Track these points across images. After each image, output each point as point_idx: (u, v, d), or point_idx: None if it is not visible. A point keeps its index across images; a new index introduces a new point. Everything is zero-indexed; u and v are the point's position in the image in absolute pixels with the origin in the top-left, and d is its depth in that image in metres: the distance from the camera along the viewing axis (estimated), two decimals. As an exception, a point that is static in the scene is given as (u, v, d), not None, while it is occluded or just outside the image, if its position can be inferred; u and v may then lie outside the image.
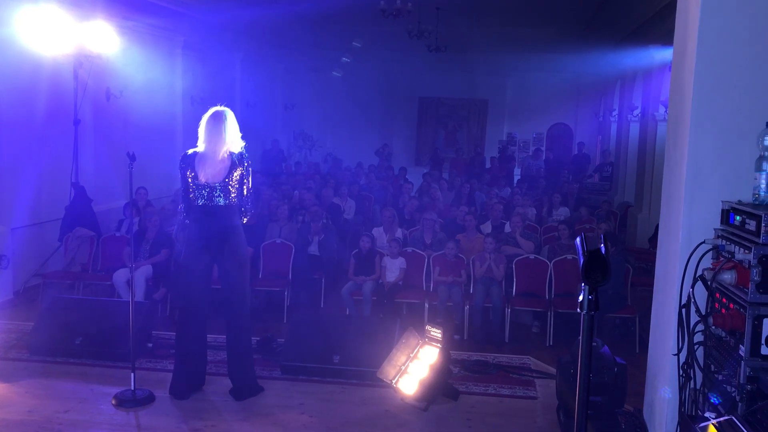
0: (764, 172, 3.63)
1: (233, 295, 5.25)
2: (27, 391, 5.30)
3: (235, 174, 5.11)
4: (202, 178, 5.08)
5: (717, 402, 3.53)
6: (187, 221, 5.28)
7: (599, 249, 2.17)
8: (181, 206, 5.35)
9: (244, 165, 5.16)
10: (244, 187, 5.19)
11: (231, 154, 5.12)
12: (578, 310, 2.24)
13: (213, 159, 5.07)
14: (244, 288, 5.32)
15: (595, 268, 2.15)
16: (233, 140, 5.14)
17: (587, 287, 2.19)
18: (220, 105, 5.22)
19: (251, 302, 5.49)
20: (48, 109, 8.48)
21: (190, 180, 5.12)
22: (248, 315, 5.39)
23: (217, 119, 5.09)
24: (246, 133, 5.32)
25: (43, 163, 8.49)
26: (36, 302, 7.79)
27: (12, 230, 8.05)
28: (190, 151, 5.18)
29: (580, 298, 2.21)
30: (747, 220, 3.52)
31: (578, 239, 2.23)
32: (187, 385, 5.25)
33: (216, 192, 5.08)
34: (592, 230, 9.18)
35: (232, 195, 5.12)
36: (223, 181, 5.08)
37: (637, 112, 13.70)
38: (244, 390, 5.28)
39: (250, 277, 5.57)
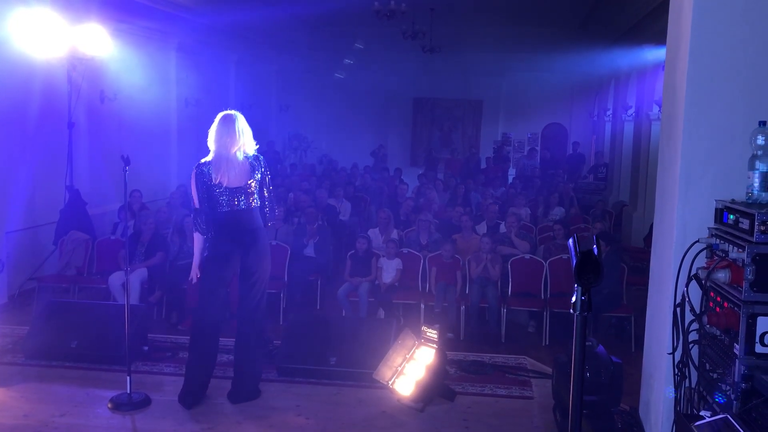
0: (757, 171, 3.64)
1: (252, 298, 5.19)
2: (22, 396, 5.29)
3: (255, 176, 5.06)
4: (224, 182, 4.97)
5: (722, 401, 3.53)
6: (210, 233, 5.07)
7: (591, 250, 2.17)
8: (195, 218, 5.10)
9: (261, 167, 5.11)
10: (264, 189, 5.15)
11: (247, 156, 5.07)
12: (571, 311, 2.24)
13: (230, 162, 4.98)
14: (264, 293, 5.27)
15: (587, 269, 2.15)
16: (247, 142, 5.08)
17: (580, 288, 2.19)
18: (218, 109, 5.14)
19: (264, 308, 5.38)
20: (42, 112, 8.46)
21: (210, 186, 4.99)
22: (262, 321, 5.34)
23: (227, 122, 5.01)
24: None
25: (38, 167, 8.47)
26: (31, 306, 7.76)
27: (6, 234, 8.02)
28: (204, 160, 5.06)
29: (573, 299, 2.22)
30: (740, 219, 3.53)
31: (571, 240, 2.23)
32: (195, 396, 5.15)
33: (238, 196, 5.00)
34: (587, 229, 9.20)
35: (254, 198, 5.06)
36: (245, 184, 5.02)
37: (631, 111, 13.73)
38: (242, 393, 5.23)
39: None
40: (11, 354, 6.22)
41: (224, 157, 4.98)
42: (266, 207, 5.21)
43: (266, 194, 5.19)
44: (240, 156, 5.02)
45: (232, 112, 5.10)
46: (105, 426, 4.85)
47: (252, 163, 5.07)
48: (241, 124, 5.06)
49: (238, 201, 5.01)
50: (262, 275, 5.20)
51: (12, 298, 8.10)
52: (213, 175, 4.98)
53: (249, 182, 5.03)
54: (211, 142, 5.03)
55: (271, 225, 8.73)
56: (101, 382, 5.58)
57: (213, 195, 5.01)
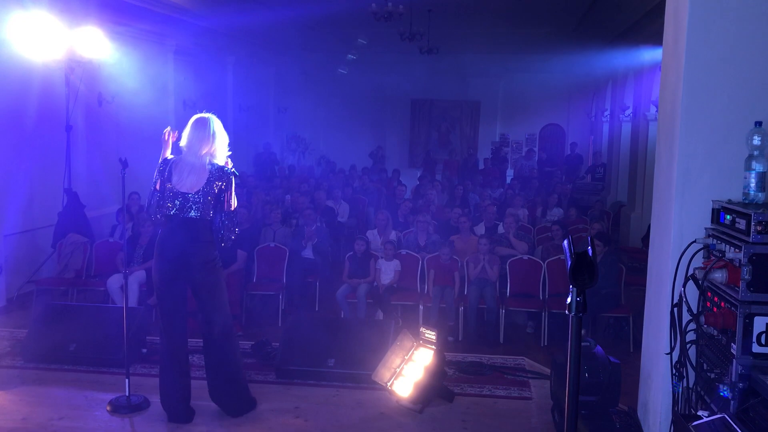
0: (753, 171, 3.66)
1: (208, 319, 4.90)
2: (21, 399, 5.29)
3: (214, 186, 4.74)
4: (178, 185, 4.72)
5: (726, 395, 3.53)
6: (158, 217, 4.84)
7: (586, 251, 2.17)
8: (151, 207, 4.92)
9: (225, 179, 4.78)
10: (224, 203, 4.81)
11: (213, 164, 4.78)
12: (566, 312, 2.25)
13: (192, 166, 4.73)
14: (223, 309, 4.94)
15: (582, 270, 2.16)
16: (218, 149, 4.81)
17: (575, 289, 2.20)
18: (205, 111, 4.93)
19: (232, 318, 5.05)
20: (40, 115, 8.45)
21: (167, 186, 4.76)
22: (231, 334, 5.00)
23: (201, 124, 4.78)
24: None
25: (36, 170, 8.47)
26: (29, 309, 7.76)
27: (4, 237, 8.02)
28: (171, 156, 4.87)
29: (569, 300, 2.22)
30: (737, 219, 3.54)
31: (565, 242, 2.24)
32: (184, 411, 4.96)
33: (189, 203, 4.72)
34: (585, 230, 9.20)
35: (208, 209, 4.75)
36: (200, 191, 4.72)
37: (628, 111, 13.75)
38: (238, 408, 5.06)
39: (227, 294, 5.08)
40: (10, 357, 6.22)
41: (189, 161, 4.75)
42: (223, 223, 4.87)
43: (225, 208, 4.83)
44: (206, 161, 4.77)
45: (207, 115, 4.85)
46: (104, 428, 4.85)
47: (214, 173, 4.76)
48: (215, 127, 4.81)
49: (190, 208, 4.72)
50: (212, 291, 4.86)
51: (10, 301, 8.10)
52: (173, 176, 4.76)
53: (205, 190, 4.72)
54: (183, 144, 4.83)
55: (268, 226, 8.82)
56: (100, 384, 5.58)
57: (166, 194, 4.77)
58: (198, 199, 4.74)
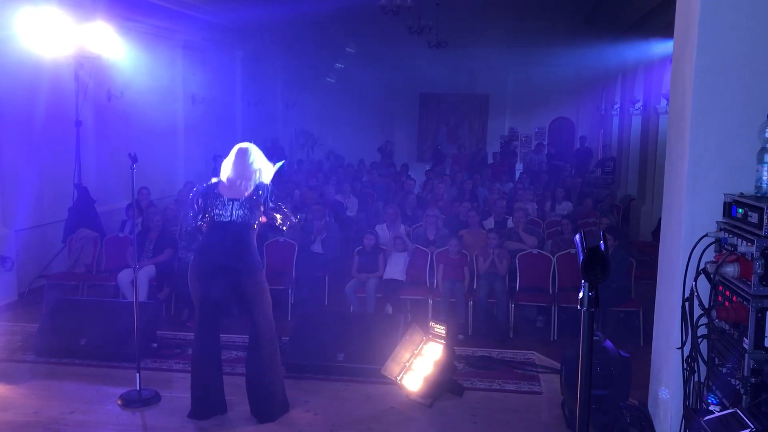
0: (766, 164, 3.62)
1: (253, 321, 4.84)
2: (32, 393, 5.33)
3: (254, 198, 4.80)
4: (225, 195, 4.78)
5: (715, 402, 3.54)
6: (192, 247, 4.91)
7: (599, 246, 2.15)
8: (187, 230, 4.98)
9: (262, 189, 4.82)
10: (273, 213, 4.87)
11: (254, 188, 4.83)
12: (578, 307, 2.23)
13: (233, 202, 4.76)
14: (264, 312, 4.86)
15: (594, 265, 2.14)
16: (262, 176, 4.86)
17: (587, 284, 2.18)
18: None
19: (273, 323, 4.95)
20: (49, 111, 8.49)
21: (210, 203, 4.79)
22: (273, 340, 4.91)
23: (242, 157, 4.79)
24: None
25: (45, 165, 8.51)
26: (40, 304, 7.80)
27: (15, 232, 8.07)
28: (214, 180, 4.90)
29: (581, 295, 2.20)
30: (749, 213, 3.51)
31: (578, 236, 2.22)
32: (209, 409, 4.93)
33: (232, 212, 4.76)
34: (595, 224, 9.16)
35: (250, 216, 4.79)
36: (244, 199, 4.77)
37: (638, 105, 13.67)
38: (265, 412, 4.91)
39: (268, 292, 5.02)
40: (21, 351, 6.26)
41: (230, 198, 4.77)
42: (276, 219, 4.90)
43: (272, 206, 4.88)
44: (248, 192, 4.79)
45: (247, 145, 4.84)
46: (115, 422, 4.88)
47: (254, 192, 4.80)
48: (257, 160, 4.83)
49: (236, 210, 4.76)
50: (257, 295, 4.83)
51: (22, 295, 8.15)
52: (217, 195, 4.78)
53: (248, 205, 4.77)
54: (225, 177, 4.82)
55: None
56: (111, 379, 5.61)
57: (209, 208, 4.79)
58: (242, 205, 4.77)
